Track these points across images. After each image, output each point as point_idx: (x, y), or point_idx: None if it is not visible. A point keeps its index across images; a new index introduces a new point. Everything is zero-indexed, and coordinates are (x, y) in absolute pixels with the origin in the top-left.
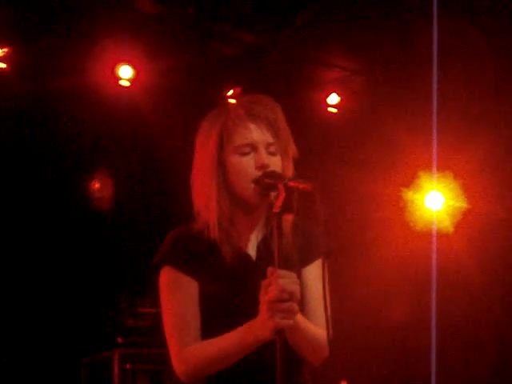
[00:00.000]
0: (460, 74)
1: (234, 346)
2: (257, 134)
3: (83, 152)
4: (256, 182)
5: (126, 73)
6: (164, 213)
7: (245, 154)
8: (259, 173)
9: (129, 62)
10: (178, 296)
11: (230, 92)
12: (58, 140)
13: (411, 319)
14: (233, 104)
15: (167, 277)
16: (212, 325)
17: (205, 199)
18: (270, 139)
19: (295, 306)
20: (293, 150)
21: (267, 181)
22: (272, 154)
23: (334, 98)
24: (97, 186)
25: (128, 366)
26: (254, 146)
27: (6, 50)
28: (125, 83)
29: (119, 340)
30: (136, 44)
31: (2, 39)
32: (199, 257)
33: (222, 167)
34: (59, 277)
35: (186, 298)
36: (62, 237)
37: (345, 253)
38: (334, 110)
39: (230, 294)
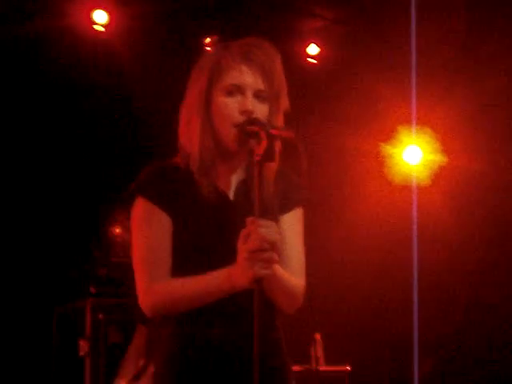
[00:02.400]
0: (439, 28)
1: (209, 290)
2: (247, 77)
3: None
4: (237, 126)
5: (100, 18)
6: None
7: (231, 95)
8: (242, 117)
9: (103, 8)
10: (149, 229)
11: (207, 40)
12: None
13: (391, 272)
14: (233, 43)
15: (140, 208)
16: (183, 262)
17: (189, 134)
18: (261, 85)
19: (275, 256)
20: (285, 102)
21: (249, 128)
22: (260, 101)
23: (313, 49)
24: None
25: (100, 315)
26: (242, 89)
27: None
28: (99, 28)
29: (92, 290)
30: None
31: None
32: (175, 192)
33: (208, 105)
34: (33, 225)
35: (157, 232)
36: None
37: (323, 207)
38: (314, 61)
39: (203, 231)
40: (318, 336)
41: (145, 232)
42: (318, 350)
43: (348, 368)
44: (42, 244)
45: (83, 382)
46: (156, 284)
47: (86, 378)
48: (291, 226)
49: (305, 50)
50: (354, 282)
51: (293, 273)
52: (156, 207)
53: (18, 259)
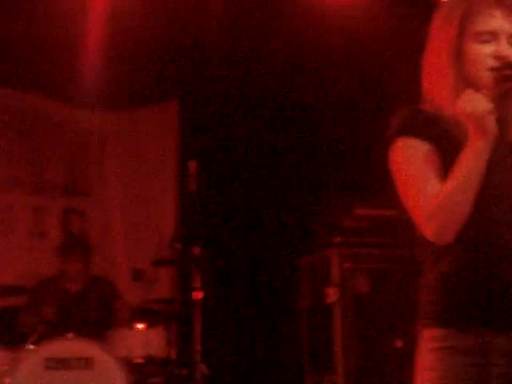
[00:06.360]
0: None
1: (465, 162)
2: (501, 22)
3: None
4: (493, 70)
5: None
6: None
7: (484, 42)
8: (497, 63)
9: None
10: (418, 161)
11: None
12: None
13: None
14: None
15: (403, 147)
16: None
17: (439, 84)
18: None
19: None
20: None
21: (508, 72)
22: None
23: None
24: None
25: (347, 265)
26: (496, 35)
27: None
28: None
29: (337, 240)
30: None
31: None
32: (436, 127)
33: (459, 53)
34: (280, 179)
35: (428, 163)
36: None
37: None
38: None
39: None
40: None
41: (414, 164)
42: None
43: None
44: (287, 198)
45: (331, 329)
46: (428, 204)
47: (336, 326)
48: None
49: None
50: None
51: None
52: (423, 141)
53: (265, 214)
